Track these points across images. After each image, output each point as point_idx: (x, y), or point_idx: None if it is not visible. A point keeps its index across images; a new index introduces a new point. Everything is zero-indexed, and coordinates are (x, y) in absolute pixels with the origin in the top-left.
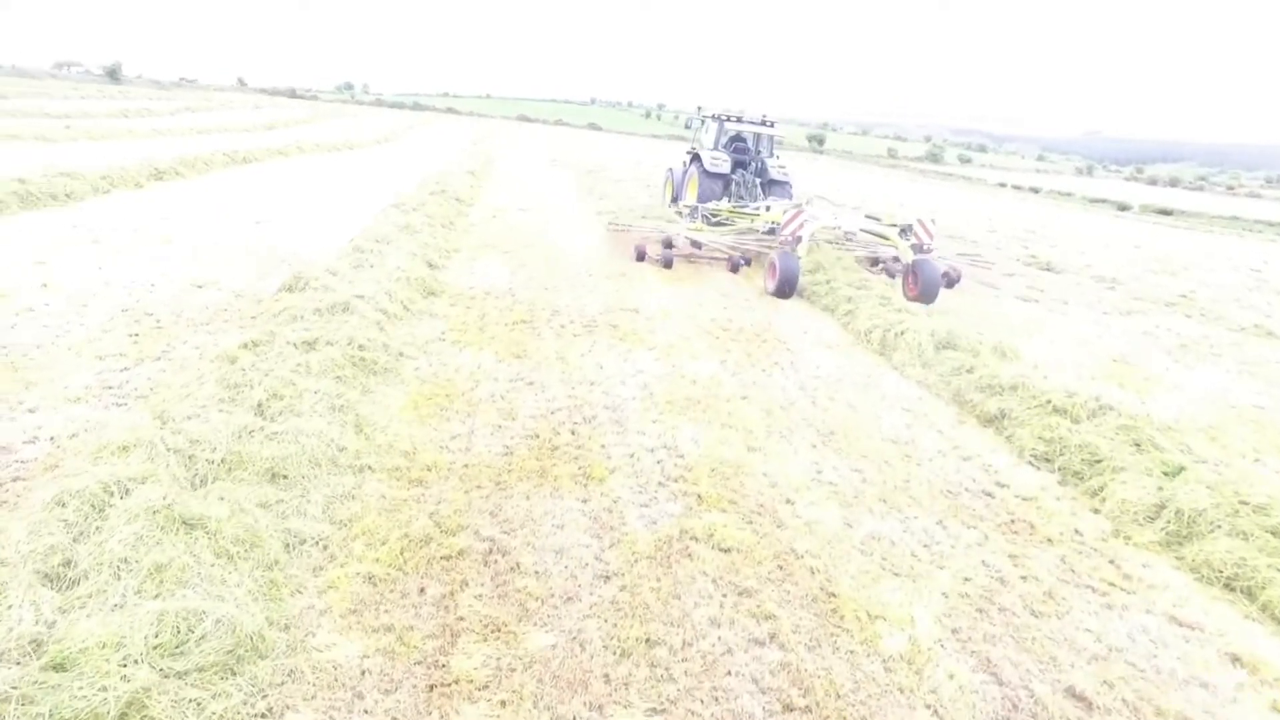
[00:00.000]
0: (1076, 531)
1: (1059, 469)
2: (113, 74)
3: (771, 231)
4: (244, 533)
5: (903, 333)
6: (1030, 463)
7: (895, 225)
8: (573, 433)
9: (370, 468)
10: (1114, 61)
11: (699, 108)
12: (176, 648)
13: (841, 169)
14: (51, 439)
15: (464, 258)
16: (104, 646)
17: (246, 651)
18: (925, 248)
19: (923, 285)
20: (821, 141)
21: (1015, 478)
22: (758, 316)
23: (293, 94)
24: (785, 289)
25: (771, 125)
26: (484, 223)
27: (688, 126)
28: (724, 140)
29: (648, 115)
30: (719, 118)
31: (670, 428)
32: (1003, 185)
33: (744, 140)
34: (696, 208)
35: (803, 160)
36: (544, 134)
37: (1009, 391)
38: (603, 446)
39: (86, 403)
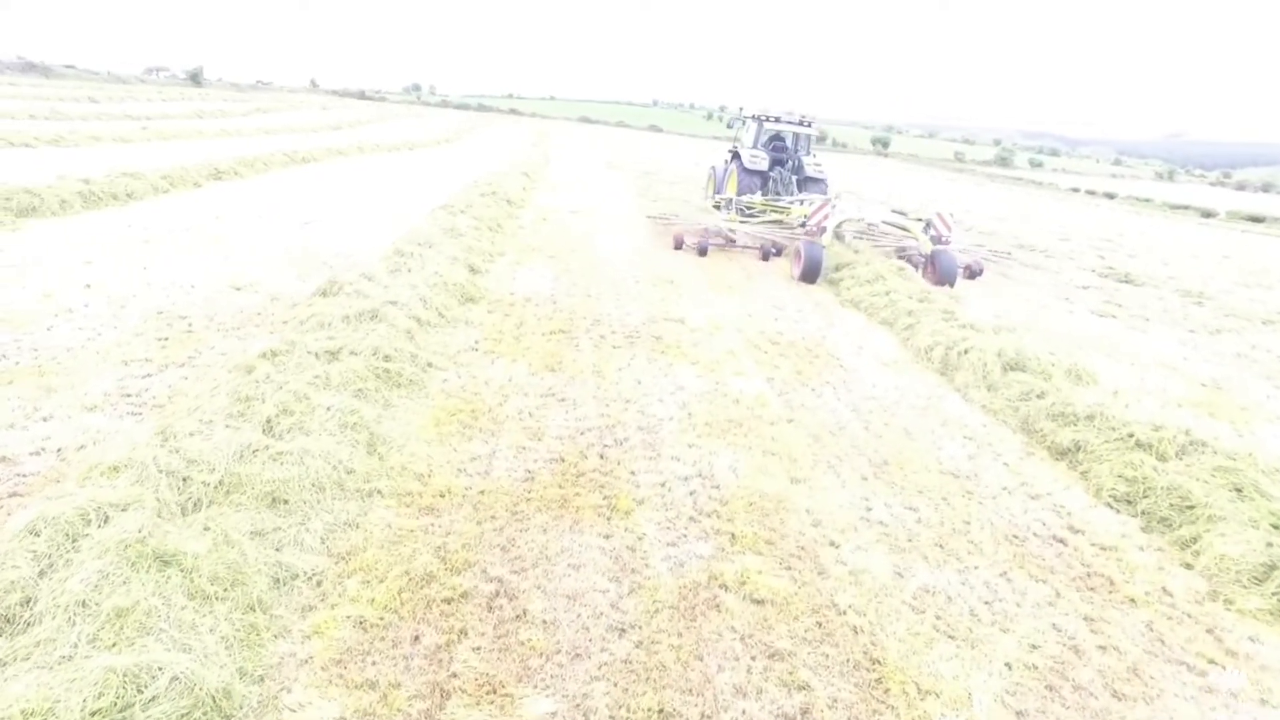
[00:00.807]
0: (1165, 591)
1: (1142, 513)
2: (195, 78)
3: (805, 225)
4: (225, 569)
5: (967, 351)
6: (1109, 504)
7: (920, 219)
8: (601, 457)
9: (379, 492)
10: (1199, 60)
11: (740, 108)
12: (120, 712)
13: (905, 172)
14: (58, 451)
15: (508, 261)
16: (30, 716)
17: (206, 713)
18: (944, 239)
19: (940, 273)
20: (886, 144)
21: (1091, 522)
22: (811, 329)
23: (362, 95)
24: (810, 275)
25: (808, 125)
26: (533, 225)
27: (729, 126)
28: (763, 139)
29: (709, 117)
30: (758, 118)
31: (707, 453)
32: (1075, 190)
33: (782, 139)
34: (731, 200)
35: (864, 164)
36: (604, 135)
37: (1084, 421)
38: (632, 474)
39: (102, 411)
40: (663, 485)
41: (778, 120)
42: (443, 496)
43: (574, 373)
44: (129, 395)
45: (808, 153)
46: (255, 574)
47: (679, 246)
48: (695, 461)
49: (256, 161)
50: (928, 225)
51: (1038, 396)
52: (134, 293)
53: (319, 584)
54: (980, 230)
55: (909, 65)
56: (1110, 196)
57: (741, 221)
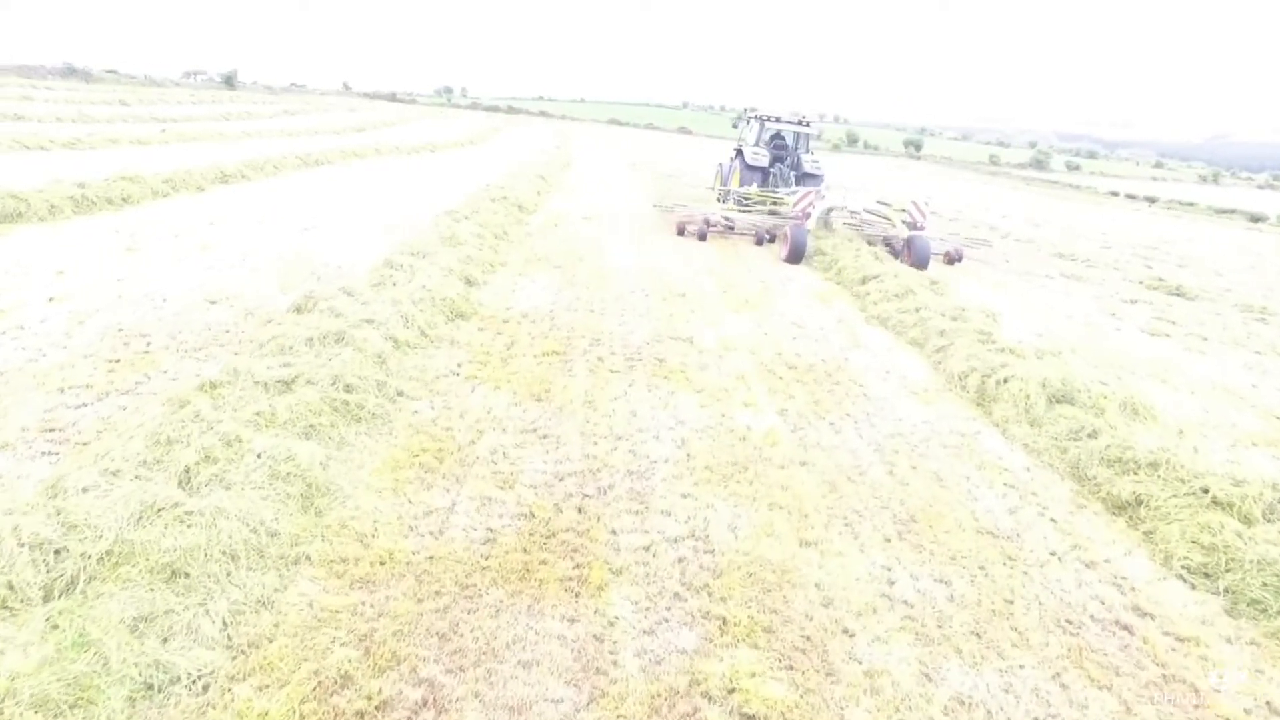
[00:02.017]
0: (1271, 708)
1: (1226, 592)
2: (229, 81)
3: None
4: (63, 686)
5: (1006, 380)
6: (1182, 577)
7: (902, 209)
8: (579, 511)
9: (308, 559)
10: (1245, 60)
11: (744, 109)
12: None
13: (935, 175)
14: None
15: (509, 273)
16: None
17: None
18: (919, 225)
19: (915, 256)
20: (919, 147)
21: (1162, 601)
22: (833, 350)
23: (393, 98)
24: (795, 256)
25: (807, 125)
26: (541, 232)
27: (734, 126)
28: (765, 137)
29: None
30: (761, 118)
31: (704, 506)
32: (1114, 194)
33: (783, 138)
34: (729, 192)
35: (895, 166)
36: (631, 137)
37: (1147, 470)
38: (613, 534)
39: (13, 450)
40: (647, 549)
41: (778, 120)
42: (383, 564)
43: (562, 403)
44: (52, 430)
45: (807, 150)
46: (113, 685)
47: (681, 233)
48: (689, 518)
49: (266, 164)
50: (907, 214)
51: (1089, 436)
52: (99, 306)
53: (204, 690)
54: (1016, 237)
55: (943, 67)
56: (1151, 200)
57: (739, 211)
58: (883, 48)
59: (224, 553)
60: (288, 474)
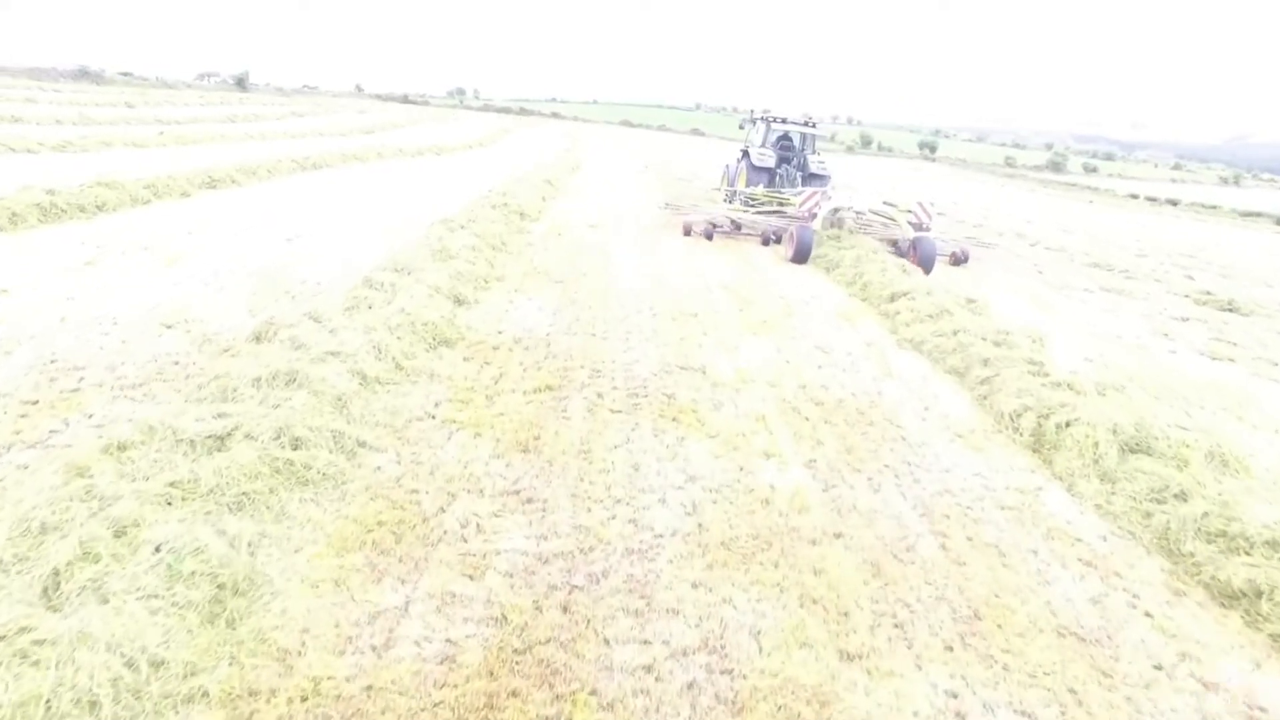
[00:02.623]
0: None
1: None
2: (241, 82)
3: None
4: None
5: (1069, 423)
6: None
7: (909, 210)
8: (564, 610)
9: (205, 695)
10: (1264, 58)
11: (751, 110)
12: None
13: (950, 178)
14: None
15: (505, 289)
16: None
17: None
18: (924, 226)
19: (921, 257)
20: (934, 148)
21: None
22: (863, 382)
23: (405, 99)
24: (801, 255)
25: (813, 126)
26: (543, 242)
27: (741, 127)
28: (771, 139)
29: None
30: (767, 119)
31: (720, 601)
32: (1134, 196)
33: (790, 139)
34: (735, 192)
35: (909, 169)
36: (643, 139)
37: (1264, 549)
38: (605, 644)
39: None
40: (648, 670)
41: (784, 121)
42: (304, 700)
43: (553, 454)
44: None
45: (813, 151)
46: None
47: (687, 233)
48: (701, 618)
49: (259, 168)
50: (913, 215)
51: (1177, 497)
52: (35, 332)
53: None
54: (1046, 245)
55: (956, 68)
56: (1173, 203)
57: (745, 211)
58: (896, 49)
59: (79, 701)
60: (192, 573)
